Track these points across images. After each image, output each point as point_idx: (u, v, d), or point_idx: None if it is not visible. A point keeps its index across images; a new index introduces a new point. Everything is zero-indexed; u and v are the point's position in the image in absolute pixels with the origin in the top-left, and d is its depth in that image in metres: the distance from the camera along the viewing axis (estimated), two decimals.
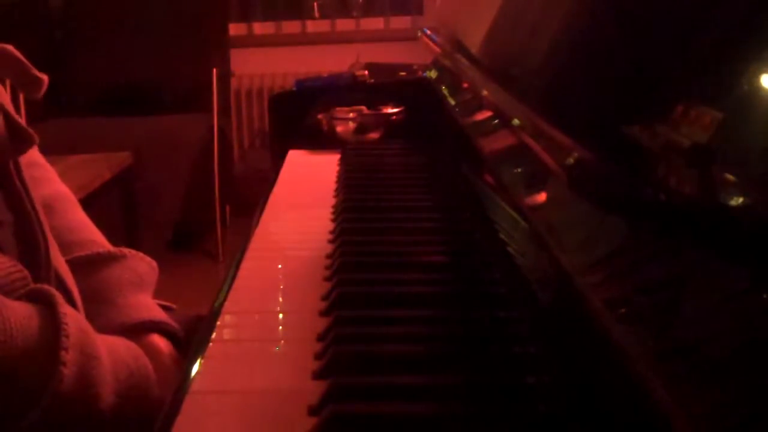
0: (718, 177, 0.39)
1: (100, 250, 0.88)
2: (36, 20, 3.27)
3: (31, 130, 0.76)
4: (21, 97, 2.17)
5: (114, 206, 2.84)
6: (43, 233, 0.75)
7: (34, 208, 0.76)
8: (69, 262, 0.83)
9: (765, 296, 0.33)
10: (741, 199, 0.36)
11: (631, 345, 0.38)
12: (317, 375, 0.61)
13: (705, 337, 0.35)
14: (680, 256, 0.40)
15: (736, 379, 0.32)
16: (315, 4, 3.85)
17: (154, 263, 0.91)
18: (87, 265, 0.84)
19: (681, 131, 0.42)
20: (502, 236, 0.76)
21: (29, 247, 0.75)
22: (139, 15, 3.30)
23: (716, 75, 0.42)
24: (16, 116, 0.76)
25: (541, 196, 0.63)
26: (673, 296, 0.39)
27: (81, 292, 0.81)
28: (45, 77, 0.81)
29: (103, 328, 0.78)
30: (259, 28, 3.81)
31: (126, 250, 0.89)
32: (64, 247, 0.86)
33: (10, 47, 0.80)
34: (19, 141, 0.76)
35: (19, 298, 0.66)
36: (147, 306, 0.85)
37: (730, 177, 0.38)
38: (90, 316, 0.79)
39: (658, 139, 0.45)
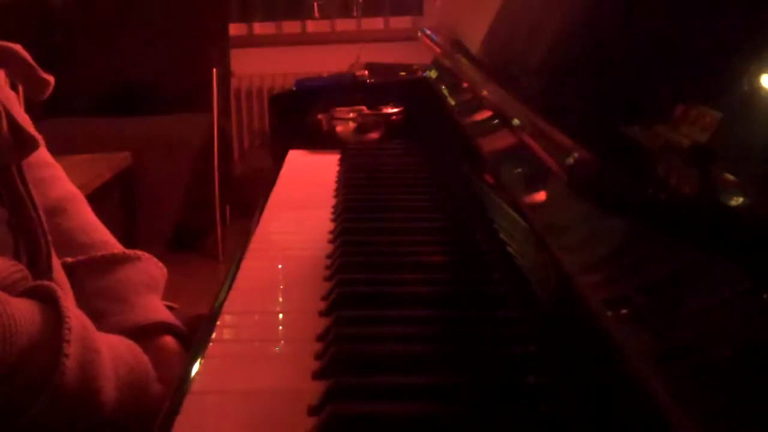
0: (718, 177, 0.39)
1: (115, 251, 0.89)
2: (36, 20, 3.26)
3: (34, 134, 0.76)
4: (21, 97, 2.16)
5: (114, 206, 2.83)
6: (45, 235, 0.76)
7: (36, 210, 0.76)
8: (84, 263, 0.85)
9: (765, 296, 0.33)
10: (741, 199, 0.36)
11: (631, 345, 0.38)
12: (317, 375, 0.61)
13: (705, 337, 0.35)
14: (680, 256, 0.40)
15: (736, 379, 0.32)
16: (315, 4, 3.85)
17: (164, 268, 0.92)
18: (103, 265, 0.85)
19: (681, 131, 0.42)
20: (502, 236, 0.76)
21: (31, 248, 0.75)
22: (139, 15, 3.29)
23: (716, 75, 0.42)
24: (20, 120, 0.76)
25: (541, 196, 0.63)
26: (673, 296, 0.39)
27: (97, 291, 0.82)
28: (51, 78, 0.81)
29: (117, 327, 0.79)
30: (259, 28, 3.81)
31: (140, 253, 0.90)
32: (78, 247, 0.87)
33: (18, 47, 0.80)
34: (22, 145, 0.76)
35: (19, 295, 0.66)
36: (159, 308, 0.87)
37: (730, 177, 0.38)
38: (105, 315, 0.80)
39: (658, 139, 0.45)
